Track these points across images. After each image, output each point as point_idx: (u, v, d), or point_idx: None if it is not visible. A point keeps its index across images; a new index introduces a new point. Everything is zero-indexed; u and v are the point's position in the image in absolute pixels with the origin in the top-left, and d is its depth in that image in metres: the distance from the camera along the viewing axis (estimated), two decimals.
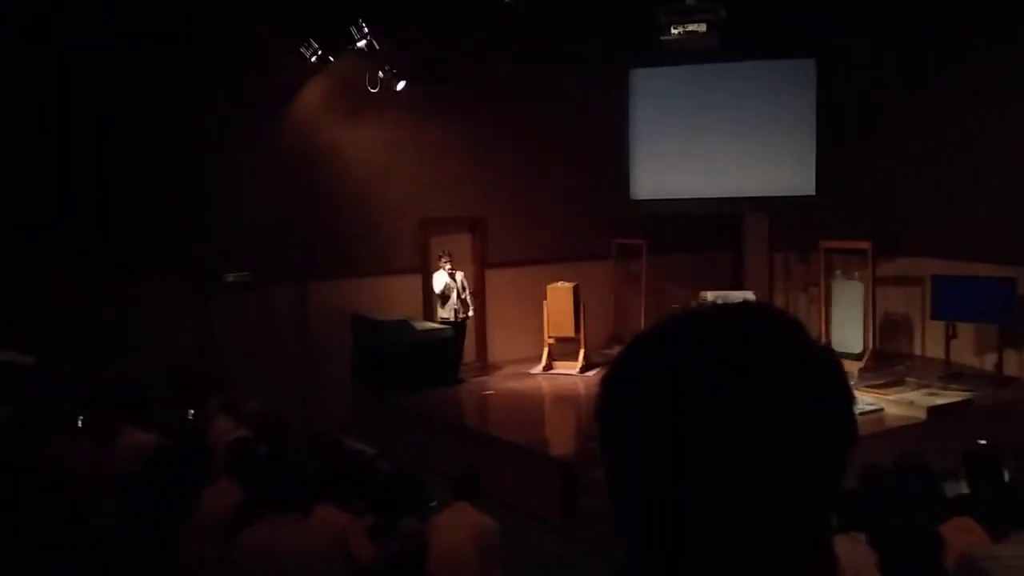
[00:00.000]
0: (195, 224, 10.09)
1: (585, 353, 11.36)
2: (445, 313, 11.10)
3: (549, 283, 11.31)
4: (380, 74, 10.63)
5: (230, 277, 10.19)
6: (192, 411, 7.16)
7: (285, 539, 3.91)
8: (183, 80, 9.82)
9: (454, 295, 11.09)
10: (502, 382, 11.14)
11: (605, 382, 0.96)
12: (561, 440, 9.71)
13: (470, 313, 11.25)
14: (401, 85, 10.75)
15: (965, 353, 10.69)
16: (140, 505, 5.25)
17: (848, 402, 0.94)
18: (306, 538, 3.98)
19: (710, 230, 12.93)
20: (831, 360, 0.95)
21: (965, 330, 10.53)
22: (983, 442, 5.65)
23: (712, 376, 0.88)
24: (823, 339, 11.34)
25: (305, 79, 10.83)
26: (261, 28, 10.07)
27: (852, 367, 10.65)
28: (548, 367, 11.42)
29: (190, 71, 9.84)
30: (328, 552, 4.05)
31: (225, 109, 10.16)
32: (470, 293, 11.33)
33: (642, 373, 0.93)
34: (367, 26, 9.99)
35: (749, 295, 11.25)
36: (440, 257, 11.11)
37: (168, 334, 9.68)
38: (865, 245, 10.95)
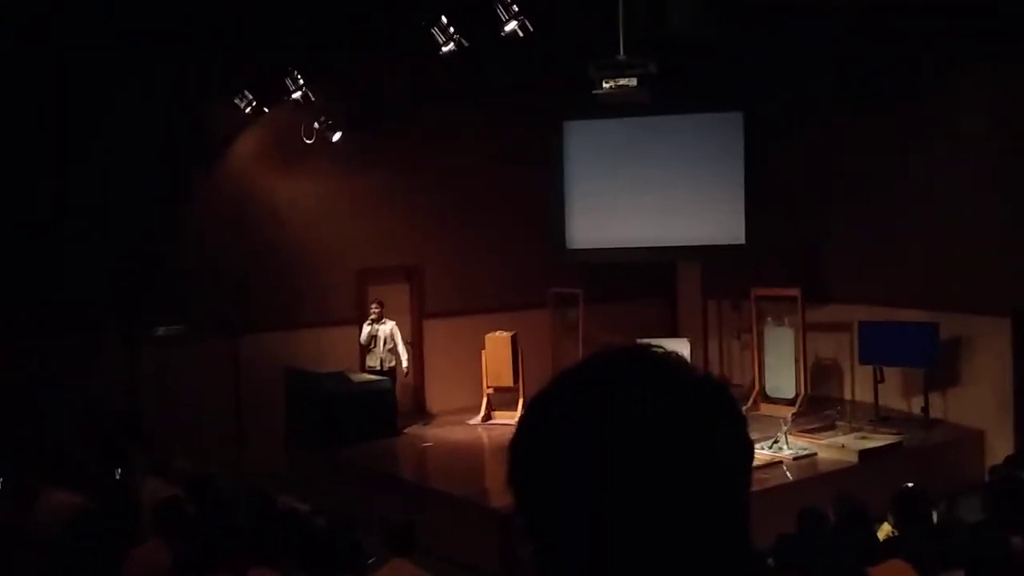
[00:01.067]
0: (124, 276, 9.90)
1: (524, 402, 11.34)
2: (372, 362, 11.06)
3: (487, 332, 11.32)
4: (315, 125, 10.64)
5: (160, 331, 9.97)
6: (119, 470, 6.94)
7: None
8: (115, 131, 9.71)
9: (380, 344, 11.05)
10: (441, 433, 11.06)
11: (515, 444, 1.02)
12: (499, 491, 9.60)
13: (403, 363, 11.17)
14: (337, 136, 10.77)
15: (893, 397, 10.96)
16: (62, 569, 5.05)
17: (739, 422, 1.00)
18: None
19: (645, 279, 13.12)
20: (719, 386, 1.01)
21: (892, 374, 10.80)
22: (910, 484, 5.77)
23: (618, 415, 0.94)
24: (756, 385, 11.54)
25: (240, 130, 10.79)
26: (195, 79, 10.02)
27: (785, 412, 10.84)
28: (487, 417, 11.38)
29: (121, 121, 9.73)
30: None
31: (159, 160, 10.05)
32: (404, 343, 11.27)
33: (553, 418, 0.99)
34: (302, 77, 10.01)
35: (684, 343, 11.42)
36: (372, 304, 11.09)
37: (95, 390, 9.42)
38: (795, 292, 11.21)
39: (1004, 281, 9.77)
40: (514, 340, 11.23)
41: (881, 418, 10.55)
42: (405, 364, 11.22)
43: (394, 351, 11.15)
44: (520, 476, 0.98)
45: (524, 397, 11.33)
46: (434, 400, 12.03)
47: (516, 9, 7.88)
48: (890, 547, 5.00)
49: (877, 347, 10.64)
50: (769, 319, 11.63)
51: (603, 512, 0.92)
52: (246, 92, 10.24)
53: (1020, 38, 8.32)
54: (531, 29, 7.92)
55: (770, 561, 4.87)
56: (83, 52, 9.30)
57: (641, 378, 0.97)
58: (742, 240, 11.59)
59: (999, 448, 9.62)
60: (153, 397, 9.90)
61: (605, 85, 8.27)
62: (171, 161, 10.16)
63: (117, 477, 6.98)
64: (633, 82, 8.31)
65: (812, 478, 8.88)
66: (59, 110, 9.33)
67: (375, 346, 11.10)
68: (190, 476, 7.17)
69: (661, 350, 1.02)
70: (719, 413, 0.98)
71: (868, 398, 10.98)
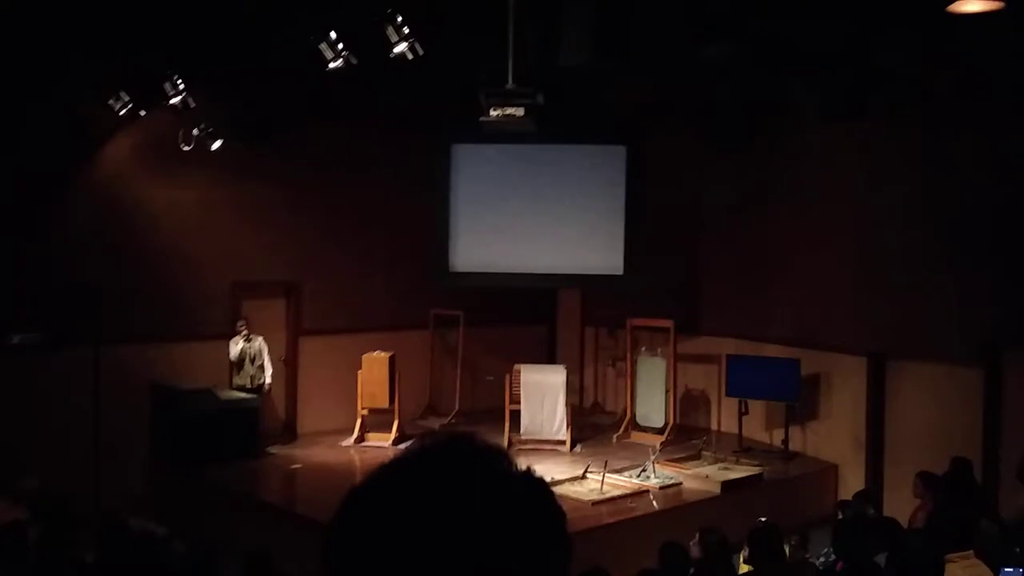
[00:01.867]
0: None
1: (399, 425, 11.24)
2: (241, 380, 10.81)
3: (366, 352, 11.18)
4: (195, 132, 10.31)
5: (15, 339, 9.43)
6: None
7: None
8: None
9: (249, 362, 10.82)
10: (312, 454, 10.83)
11: (329, 538, 1.00)
12: None
13: (267, 379, 10.96)
14: (216, 144, 10.46)
15: (756, 429, 11.38)
16: None
17: (557, 520, 1.01)
18: None
19: (526, 304, 13.25)
20: (538, 483, 1.02)
21: (756, 406, 11.21)
22: (764, 520, 5.98)
23: (436, 514, 0.94)
24: (628, 413, 11.79)
25: (113, 133, 10.35)
26: (67, 78, 9.56)
27: (654, 440, 11.11)
28: (360, 439, 11.21)
29: None
30: None
31: (23, 159, 9.54)
32: (274, 359, 11.05)
33: (368, 524, 0.98)
34: (183, 82, 9.69)
35: (561, 369, 11.55)
36: (238, 322, 10.85)
37: None
38: (668, 324, 11.52)
39: (861, 323, 10.30)
40: (391, 361, 11.12)
41: (744, 449, 10.92)
42: (269, 381, 11.00)
43: (262, 367, 10.93)
44: (335, 567, 0.97)
45: (399, 419, 11.24)
46: (307, 420, 11.78)
47: (407, 31, 7.85)
48: None
49: (743, 380, 11.03)
50: (643, 349, 11.91)
51: None
52: (122, 93, 9.84)
53: (882, 97, 8.83)
54: (421, 53, 7.90)
55: None
56: None
57: (460, 478, 0.97)
58: (620, 271, 11.84)
59: (852, 481, 10.11)
60: (4, 409, 9.33)
61: (493, 113, 8.31)
62: (37, 160, 9.66)
63: None
64: (520, 111, 8.38)
65: (677, 507, 9.11)
66: None
67: (245, 364, 10.84)
68: (37, 497, 6.79)
69: (483, 444, 1.02)
70: (538, 511, 0.99)
71: (733, 429, 11.35)
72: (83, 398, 9.84)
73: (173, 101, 9.75)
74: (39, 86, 9.42)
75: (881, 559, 5.10)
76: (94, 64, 9.49)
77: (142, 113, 9.99)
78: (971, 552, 4.66)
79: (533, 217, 12.01)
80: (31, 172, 9.67)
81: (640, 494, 9.18)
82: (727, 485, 9.53)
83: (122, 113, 9.91)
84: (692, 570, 5.66)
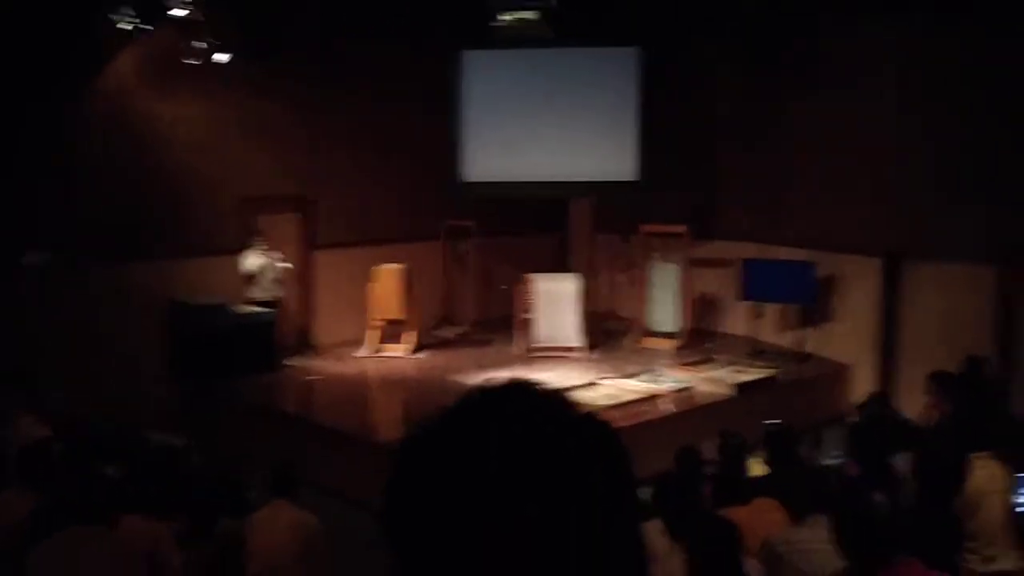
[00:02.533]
0: None
1: (415, 335, 11.32)
2: (258, 293, 10.75)
3: (377, 266, 11.18)
4: (204, 45, 10.08)
5: (28, 259, 9.44)
6: None
7: (85, 556, 3.67)
8: None
9: (268, 274, 10.79)
10: (328, 366, 10.95)
11: (391, 489, 0.97)
12: (388, 424, 9.66)
13: (281, 294, 11.00)
14: (224, 58, 10.24)
15: (771, 332, 11.40)
16: None
17: (622, 463, 0.99)
18: (108, 555, 3.76)
19: (537, 213, 13.16)
20: (600, 426, 0.99)
21: (771, 310, 11.21)
22: (779, 423, 6.03)
23: (501, 467, 0.91)
24: (642, 319, 11.82)
25: (120, 48, 10.15)
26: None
27: (668, 345, 11.17)
28: (377, 350, 11.31)
29: None
30: (134, 571, 3.84)
31: (25, 76, 9.38)
32: (281, 274, 11.02)
33: (431, 473, 0.94)
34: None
35: (574, 277, 11.54)
36: (255, 236, 10.78)
37: None
38: (682, 229, 11.44)
39: (877, 223, 10.20)
40: (405, 272, 11.14)
41: (758, 352, 10.97)
42: (289, 265, 10.98)
43: (278, 280, 10.93)
44: (396, 519, 0.95)
45: (415, 329, 11.32)
46: (322, 333, 11.87)
47: None
48: (762, 485, 5.23)
49: (758, 284, 11.00)
50: (657, 255, 11.86)
51: (484, 561, 0.91)
52: (126, 7, 9.59)
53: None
54: None
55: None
56: None
57: (521, 426, 0.94)
58: (634, 176, 11.70)
59: (865, 382, 10.17)
60: (24, 328, 9.41)
61: (505, 17, 8.08)
62: (39, 78, 9.50)
63: None
64: (533, 15, 8.16)
65: (690, 410, 9.20)
66: None
67: (261, 277, 10.81)
68: (61, 416, 6.92)
69: (541, 388, 0.99)
70: (601, 455, 0.97)
71: (748, 332, 11.38)
72: (102, 316, 9.92)
73: (179, 14, 9.53)
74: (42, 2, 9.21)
75: (897, 460, 5.15)
76: None
77: (149, 28, 9.78)
78: (987, 453, 4.69)
79: (545, 124, 11.82)
80: (36, 91, 9.52)
81: (653, 398, 9.28)
82: (741, 387, 9.60)
83: (129, 28, 9.70)
84: (707, 472, 5.74)
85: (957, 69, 9.31)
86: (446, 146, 11.95)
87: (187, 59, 10.12)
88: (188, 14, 9.39)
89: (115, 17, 9.61)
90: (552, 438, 0.94)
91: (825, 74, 10.67)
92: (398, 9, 10.76)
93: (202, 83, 10.49)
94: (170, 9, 9.43)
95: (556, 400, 0.99)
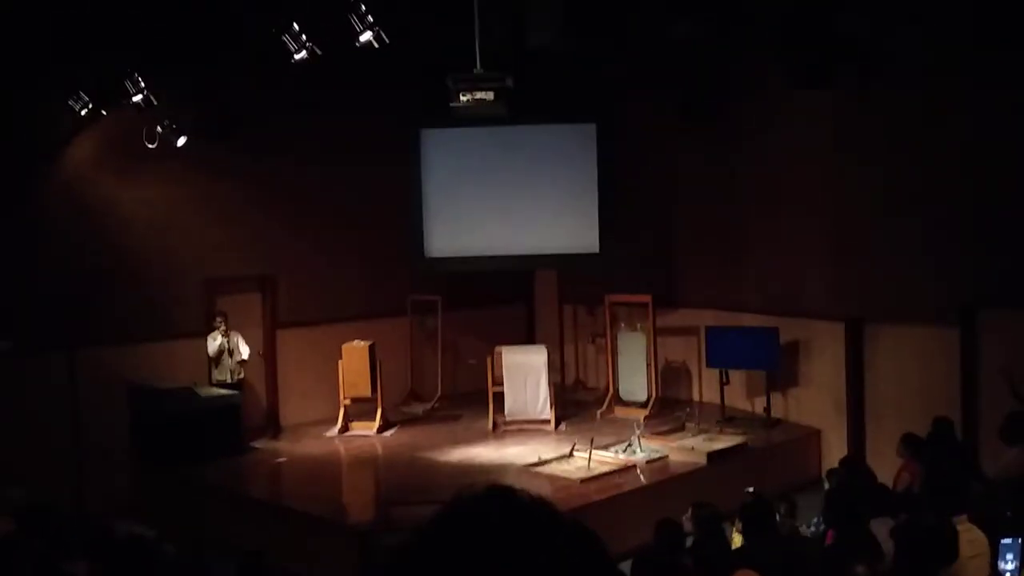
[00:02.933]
0: None
1: (382, 413, 11.22)
2: (221, 375, 10.73)
3: (344, 342, 11.12)
4: (159, 129, 10.13)
5: None
6: None
7: None
8: None
9: (228, 357, 10.74)
10: (296, 447, 10.78)
11: None
12: (359, 506, 9.50)
13: (244, 354, 10.92)
14: (182, 141, 10.28)
15: (738, 398, 11.47)
16: None
17: (610, 569, 1.01)
18: None
19: (503, 285, 13.22)
20: (587, 534, 1.02)
21: (737, 376, 11.30)
22: (751, 490, 6.03)
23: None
24: (611, 389, 11.83)
25: (76, 133, 10.15)
26: (26, 79, 9.34)
27: (638, 414, 11.18)
28: (344, 429, 11.18)
29: None
30: None
31: None
32: (246, 350, 10.95)
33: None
34: (143, 80, 9.49)
35: (541, 348, 11.56)
36: (216, 318, 10.75)
37: None
38: (646, 299, 11.55)
39: (837, 289, 10.39)
40: (371, 349, 11.08)
41: (727, 419, 11.01)
42: (247, 354, 10.88)
43: (241, 361, 10.85)
44: None
45: (382, 407, 11.22)
46: (289, 413, 11.71)
47: (371, 20, 7.74)
48: (741, 556, 5.21)
49: (723, 351, 11.10)
50: (622, 324, 11.94)
51: None
52: (82, 94, 9.64)
53: (848, 62, 8.84)
54: (386, 40, 7.79)
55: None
56: None
57: (511, 535, 0.95)
58: (596, 248, 11.86)
59: (836, 445, 10.24)
60: None
61: (463, 98, 8.23)
62: (1, 165, 9.46)
63: None
64: (490, 96, 8.31)
65: (664, 481, 9.18)
66: None
67: (223, 359, 10.75)
68: (25, 507, 6.70)
69: (525, 495, 1.00)
70: (590, 562, 0.98)
71: (716, 399, 11.44)
72: (62, 403, 9.73)
73: (135, 99, 9.57)
74: (2, 88, 9.22)
75: (875, 525, 5.17)
76: (54, 65, 9.29)
77: (104, 113, 9.81)
78: (965, 516, 4.73)
79: (506, 199, 11.97)
80: None
81: (627, 469, 9.24)
82: (712, 456, 9.60)
83: (84, 113, 9.73)
84: (687, 544, 5.71)
85: (896, 129, 9.60)
86: (409, 222, 12.03)
87: (147, 142, 10.15)
88: (143, 98, 9.43)
89: (72, 103, 9.63)
90: (538, 554, 0.95)
91: (772, 138, 10.95)
92: (357, 89, 10.91)
93: (161, 166, 10.49)
94: (126, 94, 9.47)
95: (538, 510, 0.99)
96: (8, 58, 9.03)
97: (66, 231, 10.01)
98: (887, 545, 5.06)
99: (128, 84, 9.46)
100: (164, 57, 9.09)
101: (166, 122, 10.13)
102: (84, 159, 10.30)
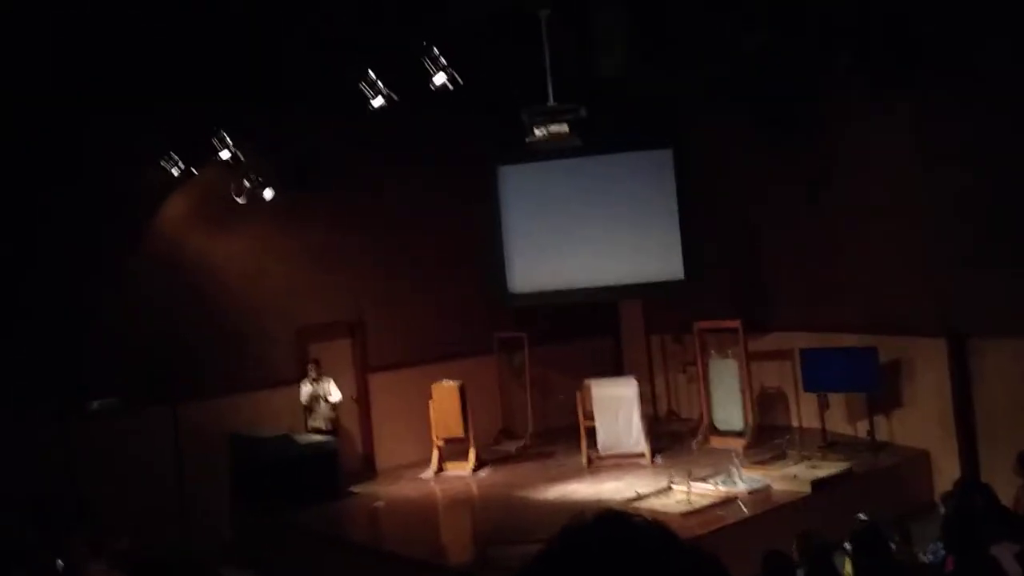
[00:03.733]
0: (55, 349, 9.53)
1: (476, 452, 11.20)
2: (316, 422, 10.87)
3: (434, 383, 11.17)
4: (246, 183, 10.45)
5: (95, 405, 9.61)
6: (60, 562, 6.61)
7: None
8: (42, 200, 9.42)
9: (322, 404, 10.88)
10: (393, 490, 10.83)
11: None
12: (458, 548, 9.46)
13: (336, 397, 11.04)
14: (269, 194, 10.59)
15: (839, 422, 11.08)
16: None
17: None
18: None
19: (588, 318, 13.13)
20: (710, 560, 0.97)
21: (837, 399, 10.92)
22: (863, 517, 5.77)
23: None
24: (705, 419, 11.57)
25: (169, 192, 10.55)
26: (121, 143, 9.77)
27: (736, 444, 10.89)
28: (439, 470, 11.19)
29: (50, 189, 9.45)
30: None
31: (87, 228, 9.77)
32: (337, 397, 11.07)
33: None
34: (230, 137, 9.84)
35: (631, 380, 11.39)
36: (308, 365, 10.92)
37: (31, 473, 8.98)
38: (735, 324, 11.30)
39: (935, 303, 9.97)
40: (461, 389, 11.09)
41: (829, 444, 10.63)
42: (338, 398, 10.97)
43: (334, 406, 10.98)
44: None
45: (475, 446, 11.20)
46: (384, 456, 11.81)
47: (444, 62, 7.86)
48: None
49: (819, 374, 10.75)
50: (712, 351, 11.70)
51: None
52: (173, 154, 10.04)
53: (925, 64, 8.57)
54: (460, 82, 7.90)
55: None
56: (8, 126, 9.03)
57: (631, 561, 0.90)
58: (681, 275, 11.68)
59: (946, 467, 9.77)
60: (92, 475, 9.48)
61: (537, 132, 8.29)
62: (99, 228, 9.88)
63: (59, 568, 6.63)
64: (565, 127, 8.35)
65: (768, 511, 8.88)
66: None
67: (318, 406, 10.90)
68: (134, 560, 6.88)
69: (640, 519, 0.95)
70: None
71: (815, 424, 11.08)
72: (165, 456, 10.00)
73: (223, 156, 9.92)
74: (97, 153, 9.66)
75: (997, 550, 4.88)
76: (146, 128, 9.70)
77: (195, 172, 10.19)
78: None
79: (587, 230, 11.93)
80: (95, 240, 9.88)
81: (729, 501, 8.99)
82: (817, 483, 9.27)
83: (176, 174, 10.11)
84: None
85: (977, 132, 9.20)
86: (491, 259, 12.08)
87: (237, 197, 10.47)
88: (231, 156, 9.75)
89: (164, 163, 10.03)
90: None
91: (855, 149, 10.60)
92: (434, 130, 11.07)
93: (250, 218, 10.81)
94: (214, 153, 9.81)
95: (657, 534, 0.95)
96: (101, 122, 9.46)
97: (163, 288, 10.36)
98: (1013, 570, 4.78)
99: (216, 142, 9.82)
100: (246, 112, 9.40)
101: (253, 176, 10.45)
102: (178, 217, 10.68)
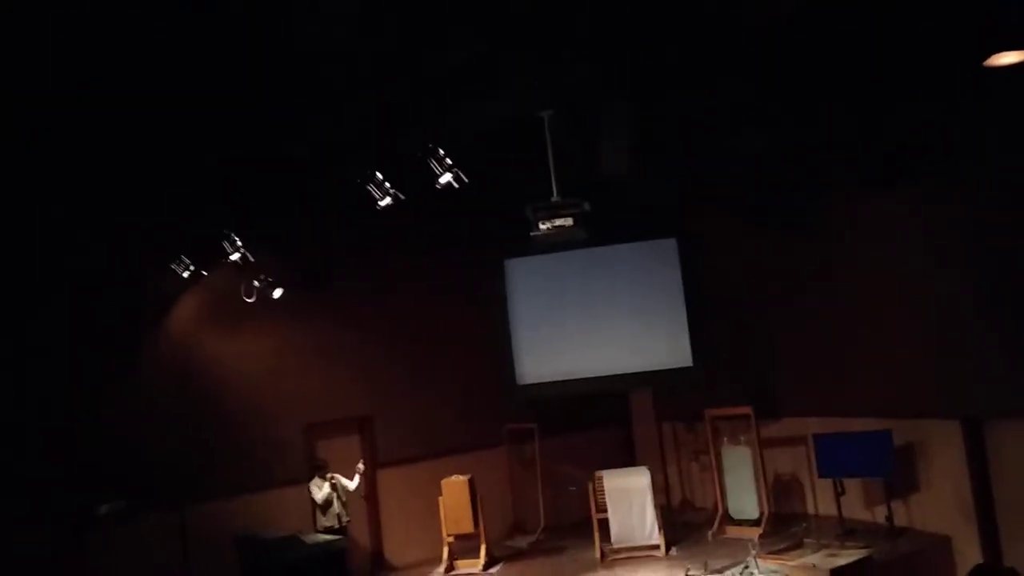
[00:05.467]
0: (59, 457, 9.49)
1: (487, 548, 11.01)
2: (328, 521, 10.72)
3: (444, 477, 11.06)
4: (256, 284, 10.56)
5: (103, 509, 9.52)
6: None
7: None
8: (46, 306, 9.52)
9: (336, 502, 10.75)
10: None
11: None
12: None
13: (353, 486, 10.89)
14: (278, 293, 10.68)
15: (856, 508, 10.90)
16: None
17: None
18: None
19: (599, 407, 13.07)
20: None
21: (853, 484, 10.77)
22: None
23: None
24: (720, 507, 11.39)
25: (179, 294, 10.66)
26: (129, 247, 9.93)
27: (752, 533, 10.69)
28: (450, 567, 10.99)
29: (54, 293, 9.56)
30: None
31: (93, 331, 9.84)
32: (353, 485, 10.95)
33: None
34: (239, 239, 9.98)
35: (643, 470, 11.27)
36: (320, 465, 10.84)
37: None
38: (747, 410, 11.23)
39: (948, 386, 9.91)
40: (471, 484, 10.98)
41: (847, 531, 10.44)
42: (355, 486, 10.86)
43: (345, 504, 10.84)
44: None
45: (486, 542, 11.02)
46: (394, 554, 11.62)
47: (449, 162, 8.02)
48: None
49: (834, 459, 10.63)
50: (725, 439, 11.61)
51: None
52: (183, 257, 10.18)
53: (927, 163, 8.72)
54: (466, 180, 8.05)
55: None
56: (18, 230, 9.21)
57: None
58: (689, 362, 11.67)
59: (968, 553, 9.58)
60: None
61: (542, 226, 8.41)
62: (108, 331, 9.95)
63: None
64: (569, 221, 8.48)
65: None
66: None
67: (331, 505, 10.76)
68: None
69: None
70: None
71: (832, 511, 10.90)
72: (172, 558, 9.85)
73: (233, 258, 10.05)
74: (103, 257, 9.80)
75: None
76: (155, 231, 9.87)
77: (204, 273, 10.31)
78: None
79: (595, 320, 11.98)
80: (102, 343, 9.94)
81: None
82: (836, 572, 9.05)
83: (186, 276, 10.24)
84: None
85: (977, 220, 9.28)
86: (500, 352, 12.10)
87: (245, 297, 10.56)
88: (240, 256, 9.89)
89: (174, 266, 10.17)
90: None
91: (860, 237, 10.70)
92: (441, 226, 11.24)
93: (259, 319, 10.89)
94: (224, 253, 9.94)
95: None
96: (111, 225, 9.62)
97: (172, 389, 10.37)
98: None
99: (226, 244, 9.95)
100: (255, 213, 9.57)
101: (262, 276, 10.57)
102: (187, 318, 10.76)
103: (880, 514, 10.56)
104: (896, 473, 10.28)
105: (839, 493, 10.65)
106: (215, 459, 10.44)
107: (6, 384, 9.35)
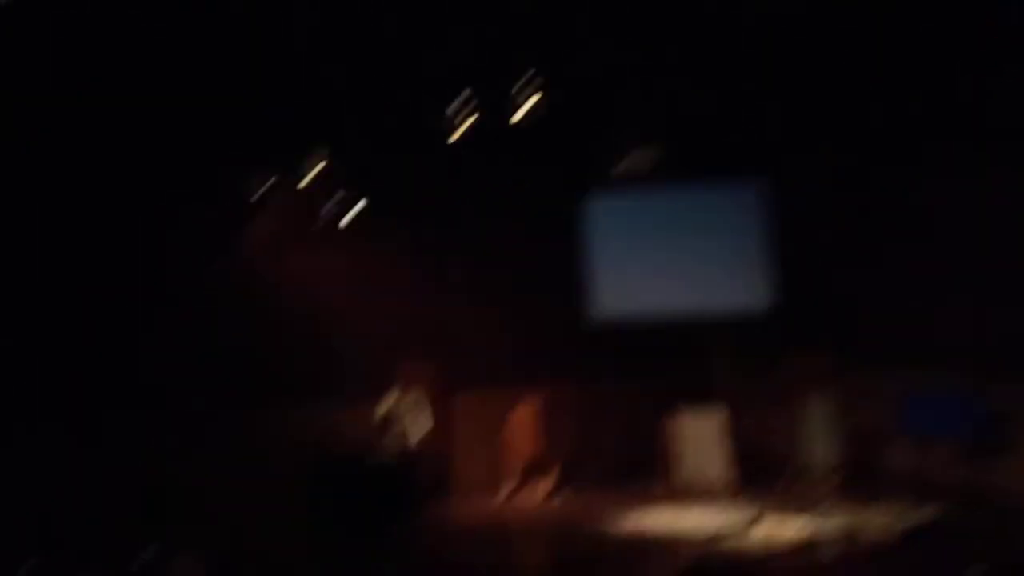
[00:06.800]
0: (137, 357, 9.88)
1: (553, 478, 11.05)
2: (397, 441, 10.82)
3: (513, 406, 11.10)
4: (334, 205, 10.60)
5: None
6: None
7: None
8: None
9: (401, 422, 10.84)
10: (469, 515, 10.74)
11: None
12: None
13: (414, 442, 11.00)
14: (353, 212, 10.70)
15: (938, 468, 10.49)
16: None
17: None
18: None
19: (675, 348, 12.83)
20: None
21: (936, 443, 10.36)
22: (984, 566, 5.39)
23: None
24: (794, 455, 11.13)
25: (259, 208, 10.82)
26: (209, 157, 10.05)
27: (826, 484, 10.46)
28: (515, 492, 11.08)
29: (137, 200, 9.82)
30: None
31: (169, 241, 10.10)
32: (416, 421, 11.05)
33: None
34: (324, 156, 9.97)
35: (718, 411, 11.09)
36: (390, 386, 10.92)
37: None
38: (831, 358, 10.87)
39: None
40: (541, 413, 11.02)
41: (925, 490, 10.08)
42: (418, 422, 10.98)
43: (414, 427, 10.96)
44: None
45: (553, 473, 11.04)
46: (461, 478, 11.75)
47: (533, 92, 7.78)
48: None
49: (919, 417, 10.24)
50: (805, 387, 11.28)
51: None
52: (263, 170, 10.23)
53: None
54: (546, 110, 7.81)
55: None
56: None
57: None
58: (771, 305, 11.38)
59: None
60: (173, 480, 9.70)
61: (624, 163, 8.18)
62: (182, 243, 10.24)
63: None
64: (649, 158, 8.23)
65: (857, 556, 8.45)
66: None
67: (396, 425, 10.87)
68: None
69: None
70: None
71: (911, 468, 10.53)
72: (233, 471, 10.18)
73: (312, 174, 10.06)
74: (192, 171, 9.96)
75: None
76: (234, 146, 9.94)
77: (284, 188, 10.37)
78: None
79: (676, 260, 11.74)
80: (178, 256, 10.19)
81: (816, 543, 8.61)
82: (910, 531, 8.79)
83: (266, 189, 10.31)
84: None
85: None
86: (578, 287, 11.97)
87: (324, 218, 10.63)
88: (319, 170, 9.86)
89: (252, 180, 10.26)
90: None
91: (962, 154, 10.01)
92: (517, 160, 11.09)
93: (335, 239, 10.97)
94: (305, 170, 9.95)
95: None
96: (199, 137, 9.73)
97: (246, 303, 10.58)
98: None
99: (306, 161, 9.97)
100: (328, 135, 9.53)
101: (342, 197, 10.60)
102: (265, 234, 10.93)
103: (962, 477, 10.15)
104: (984, 435, 9.83)
105: (920, 451, 10.27)
106: (286, 371, 10.69)
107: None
